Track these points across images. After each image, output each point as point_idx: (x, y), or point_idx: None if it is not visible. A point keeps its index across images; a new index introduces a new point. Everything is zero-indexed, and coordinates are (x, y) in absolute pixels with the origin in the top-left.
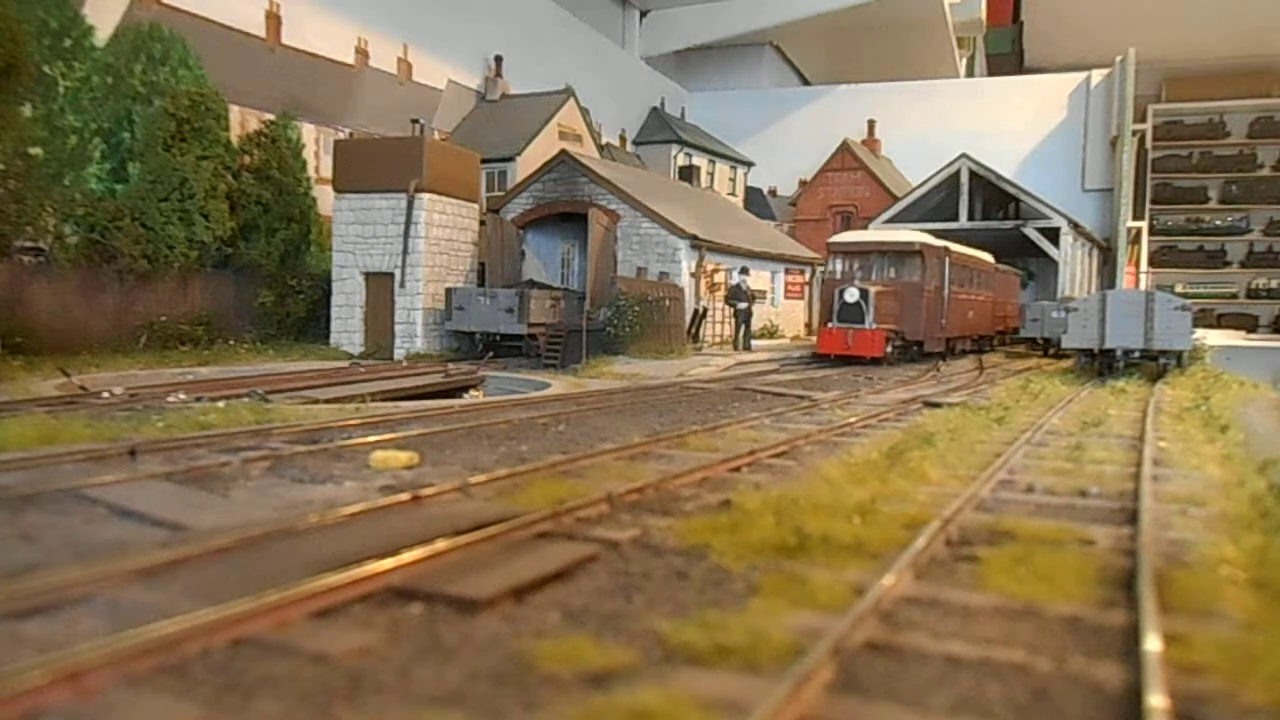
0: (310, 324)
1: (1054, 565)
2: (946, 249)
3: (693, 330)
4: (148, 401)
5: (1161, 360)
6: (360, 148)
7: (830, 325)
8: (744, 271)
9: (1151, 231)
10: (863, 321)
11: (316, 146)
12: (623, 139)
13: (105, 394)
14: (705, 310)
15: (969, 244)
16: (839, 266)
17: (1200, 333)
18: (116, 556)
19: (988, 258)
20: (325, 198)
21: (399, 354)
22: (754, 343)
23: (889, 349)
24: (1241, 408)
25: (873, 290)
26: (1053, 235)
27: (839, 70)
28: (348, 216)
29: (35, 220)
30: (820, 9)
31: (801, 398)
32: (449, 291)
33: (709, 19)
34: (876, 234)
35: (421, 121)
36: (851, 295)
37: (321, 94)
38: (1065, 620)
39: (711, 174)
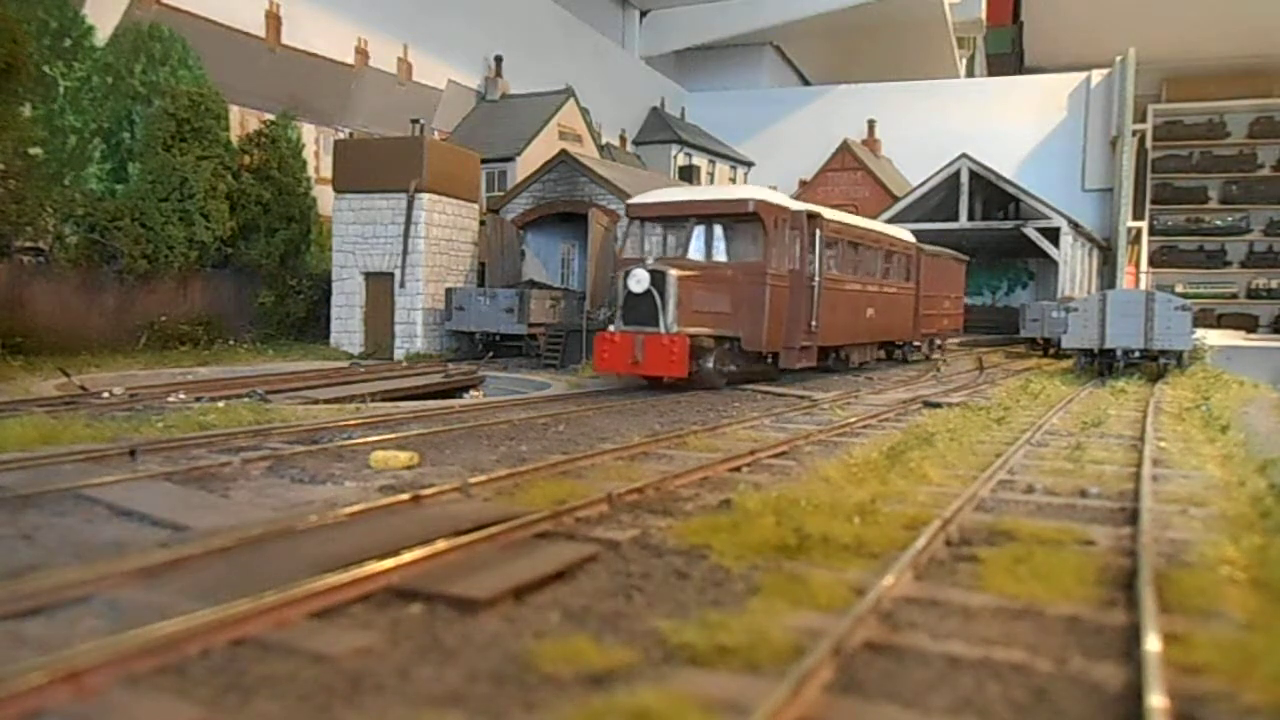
0: (310, 324)
1: (1054, 565)
2: (812, 215)
3: None
4: (147, 401)
5: (1161, 360)
6: (360, 148)
7: (611, 329)
8: None
9: (1151, 231)
10: (656, 323)
11: (316, 146)
12: (623, 139)
13: (105, 394)
14: None
15: (968, 244)
16: (644, 240)
17: (1200, 333)
18: (116, 556)
19: (904, 236)
20: (325, 198)
21: (399, 354)
22: None
23: (708, 364)
24: (1241, 408)
25: (672, 274)
26: (1053, 235)
27: (839, 70)
28: (348, 216)
29: (35, 220)
30: (820, 9)
31: (802, 398)
32: (449, 291)
33: (709, 19)
34: (696, 191)
35: (421, 121)
36: (639, 282)
37: (321, 94)
38: (1065, 620)
39: (711, 174)
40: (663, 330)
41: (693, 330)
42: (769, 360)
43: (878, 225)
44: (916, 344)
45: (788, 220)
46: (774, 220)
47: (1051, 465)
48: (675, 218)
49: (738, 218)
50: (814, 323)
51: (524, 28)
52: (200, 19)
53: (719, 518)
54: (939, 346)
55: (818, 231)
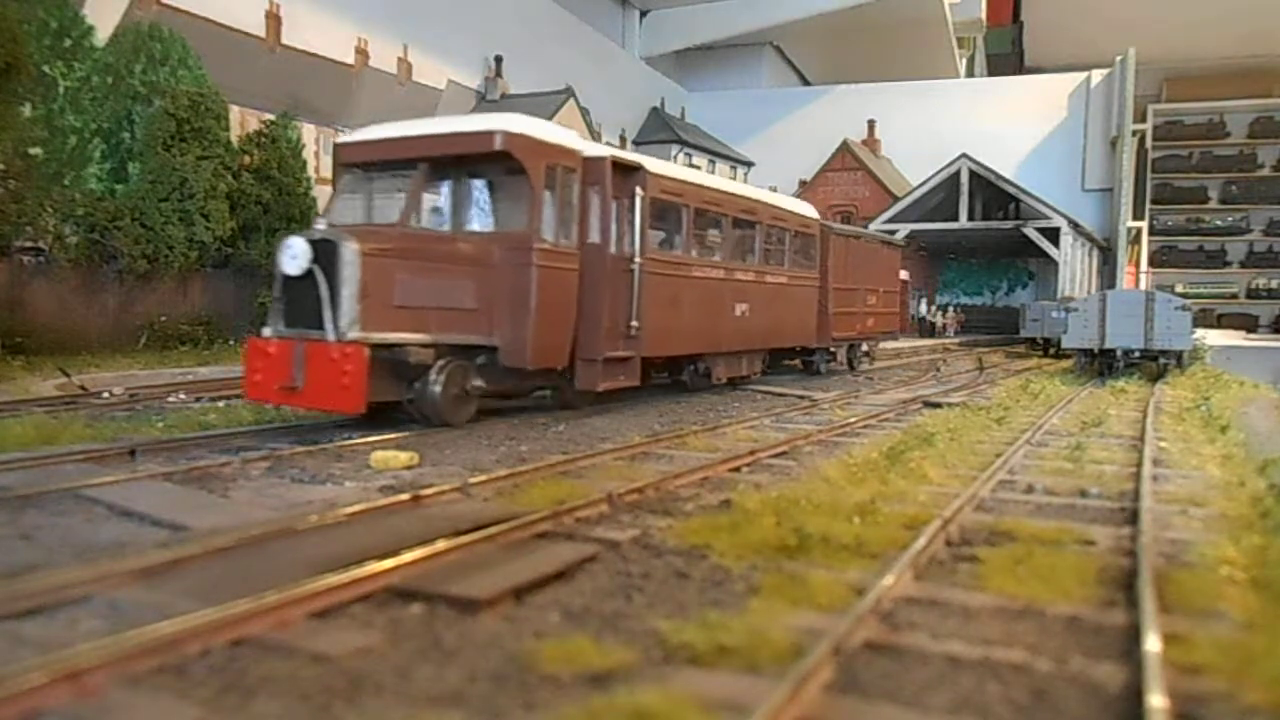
0: None
1: (1054, 565)
2: (626, 166)
3: None
4: (147, 401)
5: (1161, 360)
6: None
7: (266, 333)
8: None
9: (1151, 231)
10: (320, 325)
11: (316, 146)
12: (623, 139)
13: (105, 394)
14: None
15: (968, 244)
16: (366, 200)
17: (1200, 333)
18: (116, 556)
19: (802, 210)
20: (325, 198)
21: None
22: None
23: (433, 389)
24: (1241, 408)
25: (348, 246)
26: (1053, 235)
27: (839, 70)
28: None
29: (35, 220)
30: (820, 9)
31: (801, 398)
32: None
33: (709, 19)
34: (432, 124)
35: None
36: (294, 258)
37: (321, 94)
38: (1065, 620)
39: (711, 174)
40: (330, 336)
41: (392, 336)
42: (565, 378)
43: (751, 191)
44: (831, 350)
45: (574, 169)
46: (543, 167)
47: (1051, 465)
48: (400, 162)
49: (487, 161)
50: (634, 323)
51: (524, 28)
52: (200, 19)
53: (719, 518)
54: (866, 354)
55: (638, 191)
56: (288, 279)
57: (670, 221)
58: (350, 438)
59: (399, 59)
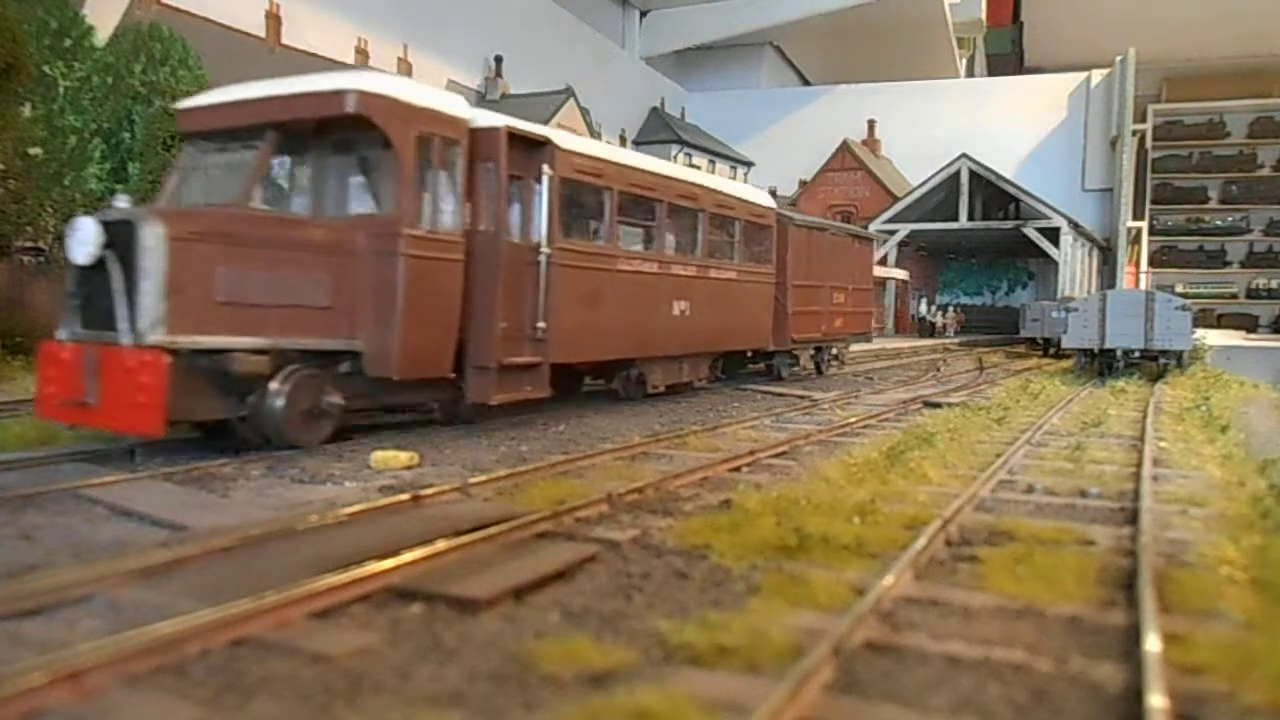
0: None
1: (1054, 565)
2: (529, 140)
3: None
4: None
5: (1161, 360)
6: None
7: (61, 336)
8: None
9: (1151, 231)
10: (113, 325)
11: None
12: (623, 139)
13: None
14: None
15: (968, 245)
16: (206, 177)
17: (1200, 333)
18: (116, 556)
19: (756, 198)
20: None
21: None
22: None
23: (274, 403)
24: (1241, 408)
25: (150, 228)
26: (1053, 235)
27: (839, 70)
28: None
29: (35, 220)
30: (820, 9)
31: (801, 398)
32: None
33: (709, 19)
34: (280, 84)
35: None
36: (83, 246)
37: None
38: (1065, 620)
39: (711, 174)
40: (125, 339)
41: (212, 340)
42: (456, 388)
43: (690, 174)
44: (793, 353)
45: (457, 141)
46: (413, 136)
47: (1051, 465)
48: (246, 130)
49: (347, 130)
50: (540, 324)
51: (524, 28)
52: (200, 19)
53: (719, 518)
54: (834, 356)
55: (545, 169)
56: (81, 270)
57: (589, 206)
58: (350, 437)
59: (399, 59)
